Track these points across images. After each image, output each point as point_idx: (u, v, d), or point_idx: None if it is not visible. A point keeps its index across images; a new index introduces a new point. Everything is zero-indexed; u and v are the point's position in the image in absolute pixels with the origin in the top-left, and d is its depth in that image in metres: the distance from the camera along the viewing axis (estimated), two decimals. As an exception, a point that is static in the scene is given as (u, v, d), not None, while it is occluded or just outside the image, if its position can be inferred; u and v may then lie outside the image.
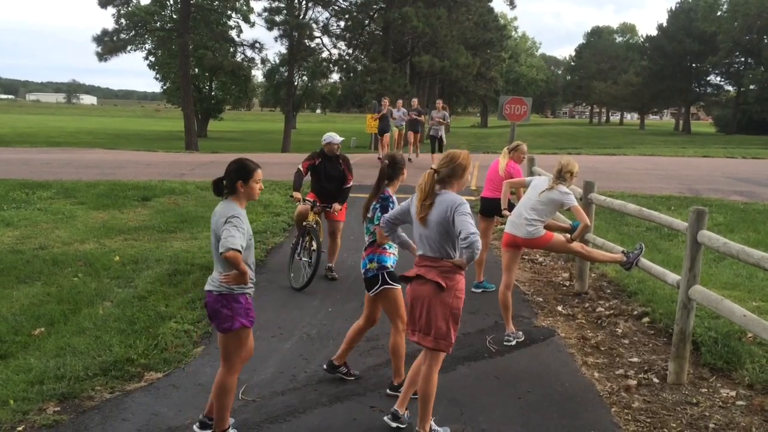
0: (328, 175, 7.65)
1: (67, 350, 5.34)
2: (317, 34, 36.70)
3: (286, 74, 36.71)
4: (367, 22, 38.45)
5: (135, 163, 20.09)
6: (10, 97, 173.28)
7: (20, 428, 4.12)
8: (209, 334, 5.83)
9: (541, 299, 7.20)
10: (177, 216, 11.36)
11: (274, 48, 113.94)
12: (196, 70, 45.59)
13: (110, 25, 38.22)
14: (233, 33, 43.30)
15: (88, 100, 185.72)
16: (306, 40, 36.06)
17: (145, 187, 14.14)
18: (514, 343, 5.78)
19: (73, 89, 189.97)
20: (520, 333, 5.92)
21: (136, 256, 8.56)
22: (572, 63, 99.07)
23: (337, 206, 7.56)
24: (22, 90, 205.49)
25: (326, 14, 36.77)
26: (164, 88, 52.80)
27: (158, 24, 42.30)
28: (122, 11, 36.82)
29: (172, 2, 43.55)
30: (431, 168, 4.02)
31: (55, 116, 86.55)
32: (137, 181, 15.11)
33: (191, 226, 10.60)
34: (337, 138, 7.57)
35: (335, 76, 41.74)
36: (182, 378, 4.93)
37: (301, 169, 7.65)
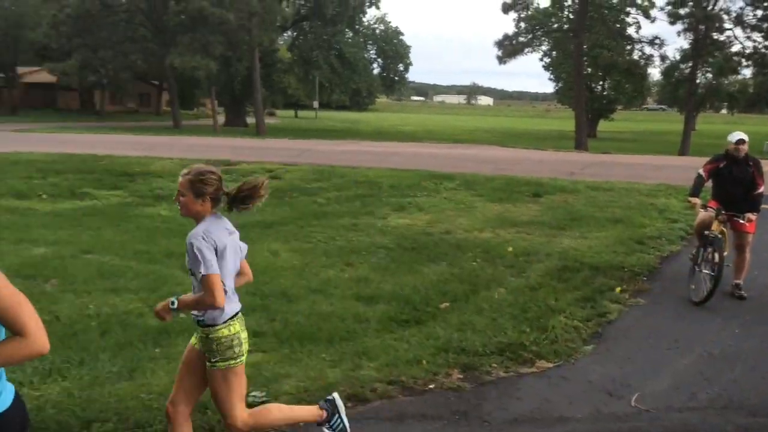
0: (734, 180, 6.92)
1: (468, 326, 5.87)
2: (728, 25, 33.06)
3: (687, 71, 34.06)
4: (795, 7, 33.09)
5: (526, 160, 20.98)
6: (421, 98, 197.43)
7: (431, 386, 4.70)
8: (599, 335, 5.78)
9: None
10: (566, 214, 11.51)
11: (675, 43, 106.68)
12: (590, 69, 45.34)
13: (510, 29, 40.53)
14: (631, 30, 41.87)
15: (485, 101, 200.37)
16: (714, 33, 32.87)
17: (537, 183, 14.68)
18: None
19: (472, 91, 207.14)
20: None
21: (528, 248, 8.95)
22: None
23: (751, 215, 6.76)
24: (431, 92, 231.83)
25: (740, 3, 32.86)
26: (557, 88, 53.98)
27: (555, 25, 43.33)
28: (522, 15, 38.72)
29: (569, 2, 44.01)
30: None
31: (456, 116, 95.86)
32: (529, 177, 15.75)
33: (580, 225, 10.62)
34: (740, 135, 6.84)
35: (746, 72, 37.04)
36: (572, 371, 4.99)
37: (702, 173, 7.08)
